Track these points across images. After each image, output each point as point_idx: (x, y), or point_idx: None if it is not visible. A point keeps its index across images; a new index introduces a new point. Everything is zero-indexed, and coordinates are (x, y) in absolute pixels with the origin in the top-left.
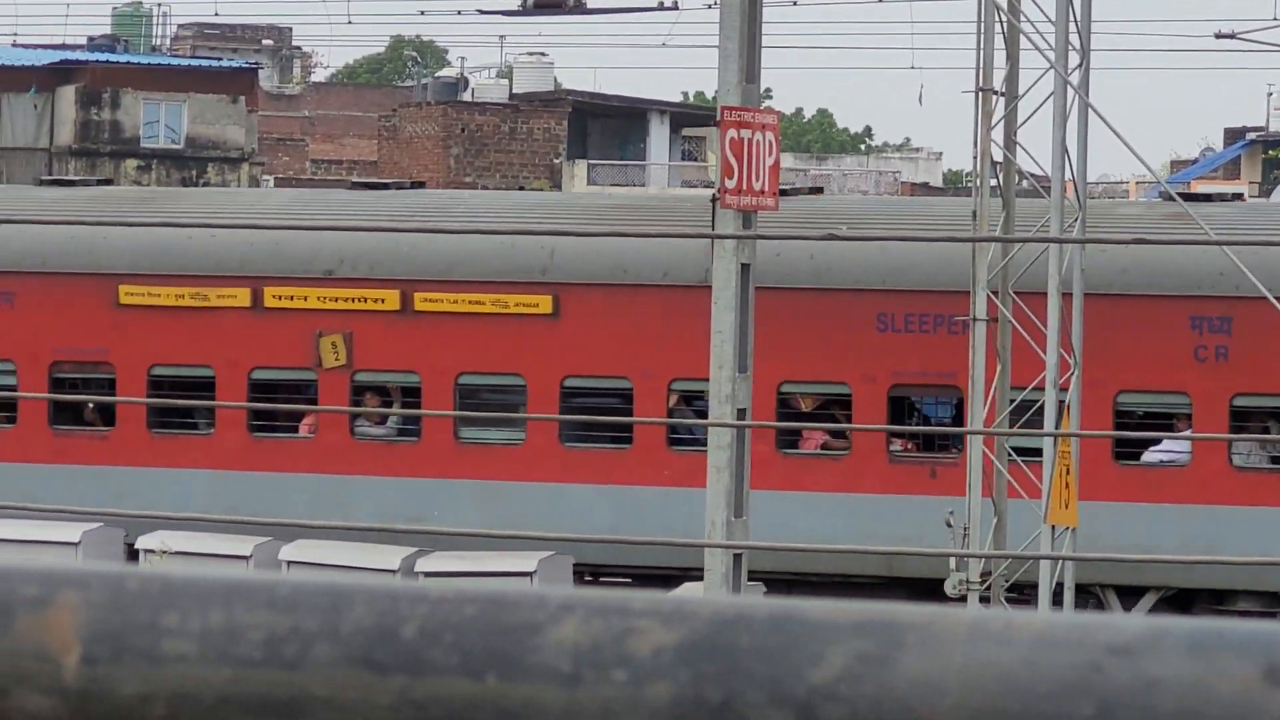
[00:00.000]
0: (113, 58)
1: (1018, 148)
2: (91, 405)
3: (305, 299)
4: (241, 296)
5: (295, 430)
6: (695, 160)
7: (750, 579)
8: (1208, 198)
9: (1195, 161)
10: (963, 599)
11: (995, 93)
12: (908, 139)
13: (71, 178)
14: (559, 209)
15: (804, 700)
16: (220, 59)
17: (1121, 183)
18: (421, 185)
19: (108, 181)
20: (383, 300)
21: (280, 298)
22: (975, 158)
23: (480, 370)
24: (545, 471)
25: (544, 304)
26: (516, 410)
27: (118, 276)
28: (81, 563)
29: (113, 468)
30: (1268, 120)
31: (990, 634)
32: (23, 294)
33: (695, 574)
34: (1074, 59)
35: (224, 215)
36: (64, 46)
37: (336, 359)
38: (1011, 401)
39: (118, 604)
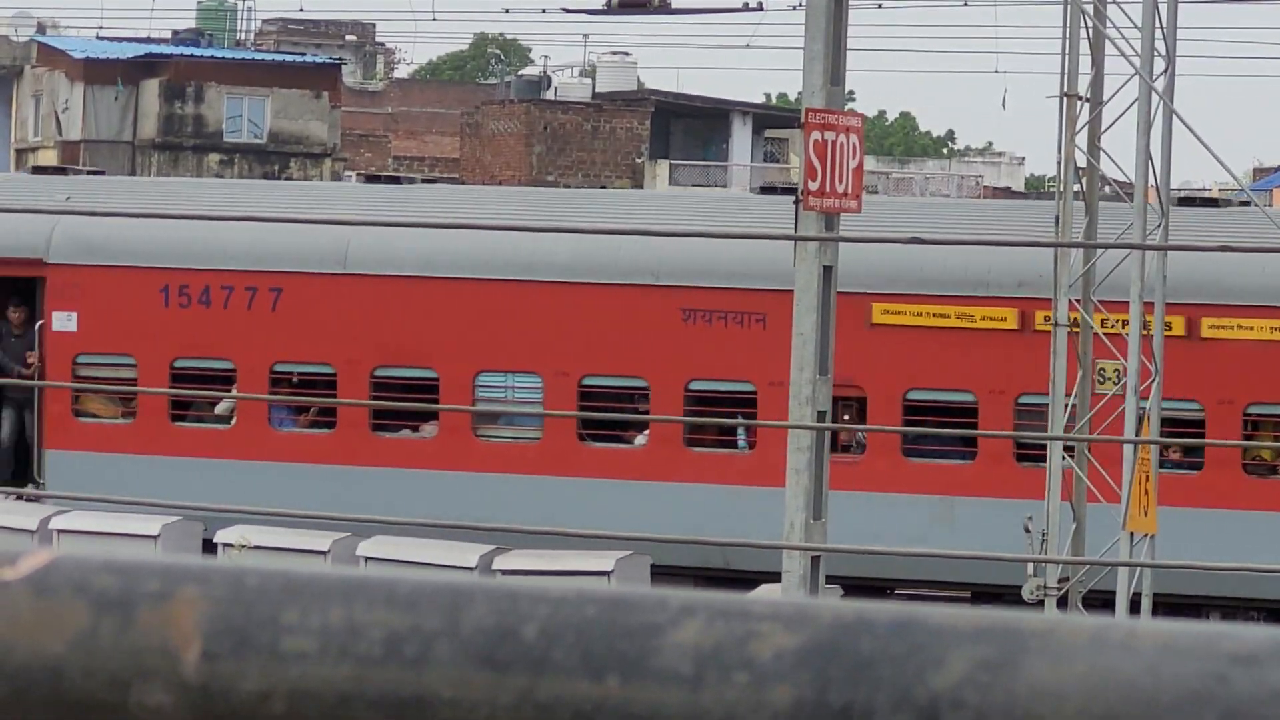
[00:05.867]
0: (197, 52)
1: (1101, 153)
2: None
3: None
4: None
5: None
6: (777, 162)
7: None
8: None
9: (1278, 169)
10: (1040, 604)
11: (1080, 98)
12: (990, 143)
13: None
14: None
15: (926, 705)
16: (304, 54)
17: (1204, 189)
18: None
19: None
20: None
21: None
22: (1059, 163)
23: None
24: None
25: None
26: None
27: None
28: (201, 559)
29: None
30: None
31: (1113, 642)
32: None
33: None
34: (1159, 65)
35: None
36: (148, 40)
37: None
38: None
39: (238, 600)
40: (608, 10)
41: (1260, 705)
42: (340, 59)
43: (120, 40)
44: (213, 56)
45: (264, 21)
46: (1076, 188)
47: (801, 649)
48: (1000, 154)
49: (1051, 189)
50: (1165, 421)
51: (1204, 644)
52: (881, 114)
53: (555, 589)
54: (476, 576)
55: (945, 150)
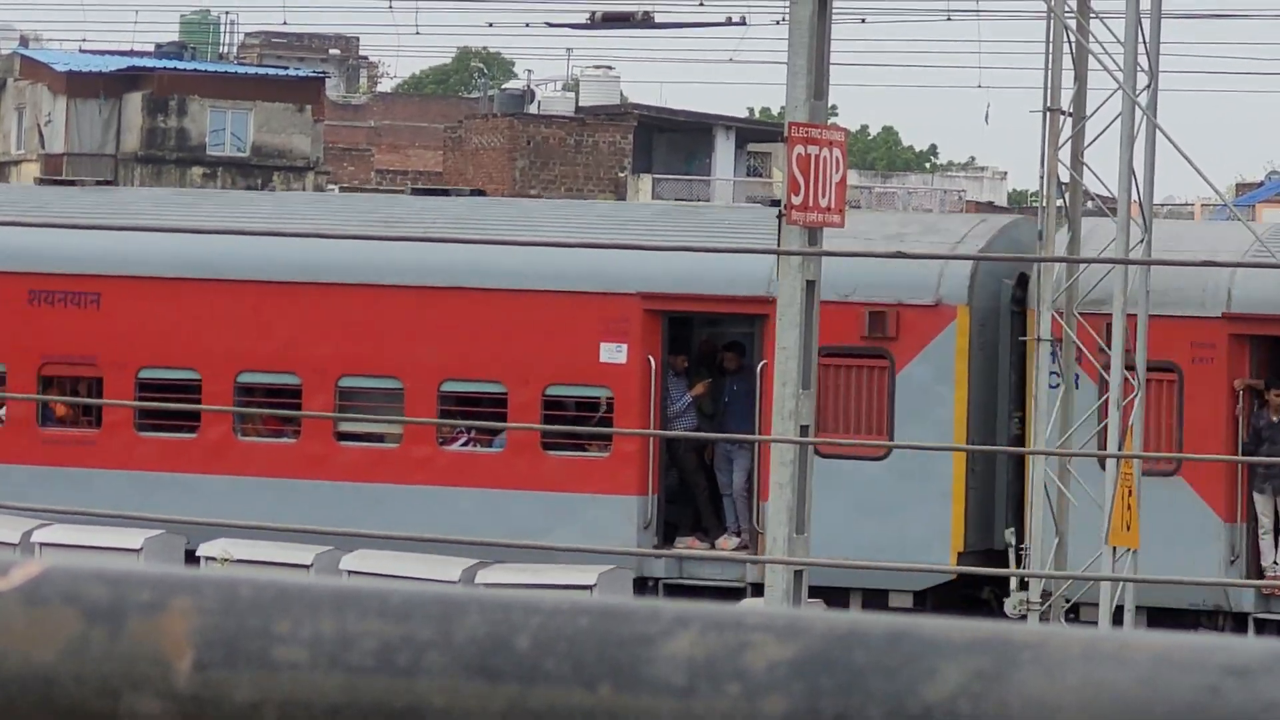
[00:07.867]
0: (180, 65)
1: (1084, 168)
2: None
3: None
4: None
5: None
6: (760, 176)
7: None
8: None
9: (1261, 184)
10: (1023, 619)
11: (1063, 113)
12: (973, 158)
13: None
14: None
15: (919, 717)
16: (287, 68)
17: (1186, 204)
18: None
19: None
20: None
21: None
22: (1042, 177)
23: None
24: None
25: None
26: None
27: None
28: (193, 569)
29: None
30: None
31: (1105, 654)
32: None
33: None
34: (1142, 80)
35: None
36: (131, 53)
37: None
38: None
39: (230, 610)
40: (591, 24)
41: (1253, 717)
42: (323, 73)
43: (103, 53)
44: (196, 70)
45: (247, 35)
46: (1060, 202)
47: (794, 660)
48: (983, 169)
49: (1034, 204)
50: None
51: (1197, 656)
52: (864, 128)
53: (548, 599)
54: (466, 588)
55: (928, 165)
